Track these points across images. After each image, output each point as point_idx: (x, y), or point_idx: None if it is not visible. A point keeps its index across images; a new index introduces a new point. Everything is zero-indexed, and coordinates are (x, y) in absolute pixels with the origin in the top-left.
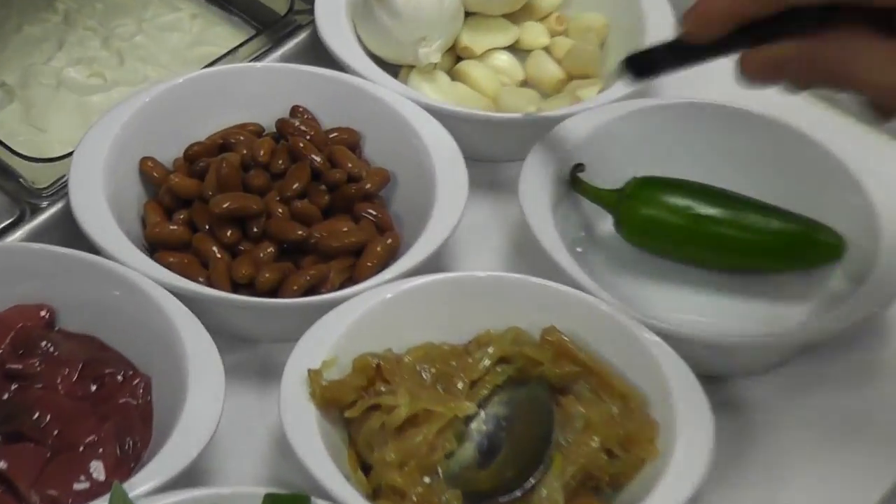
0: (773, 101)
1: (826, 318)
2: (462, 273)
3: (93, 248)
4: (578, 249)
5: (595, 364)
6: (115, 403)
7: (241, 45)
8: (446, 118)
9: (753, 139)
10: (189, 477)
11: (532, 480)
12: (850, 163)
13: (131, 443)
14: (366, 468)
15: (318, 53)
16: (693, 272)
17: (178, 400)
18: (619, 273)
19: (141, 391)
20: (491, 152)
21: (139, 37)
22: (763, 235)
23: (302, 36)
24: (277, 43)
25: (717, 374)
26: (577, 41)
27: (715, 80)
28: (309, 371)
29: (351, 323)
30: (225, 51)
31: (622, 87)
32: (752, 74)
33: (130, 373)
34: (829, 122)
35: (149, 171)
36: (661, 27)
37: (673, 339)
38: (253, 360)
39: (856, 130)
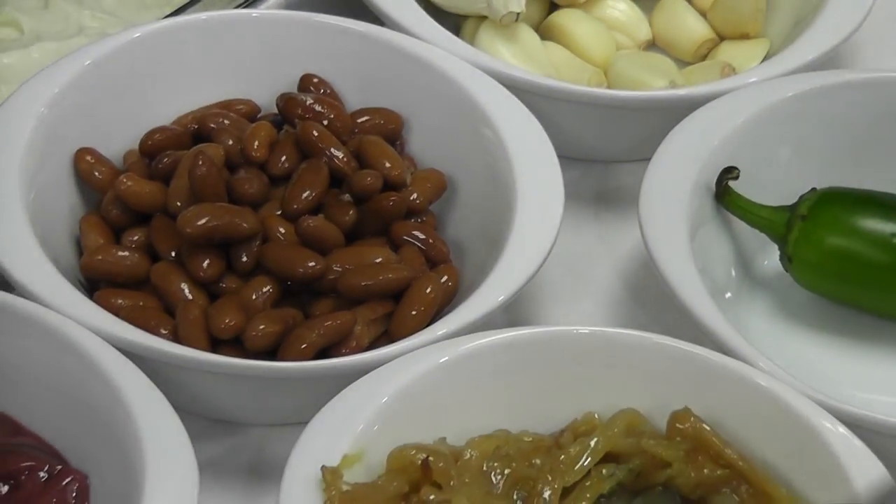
0: None
1: None
2: (553, 328)
3: (3, 283)
4: (728, 295)
5: (749, 465)
6: None
7: None
8: (532, 96)
9: None
10: None
11: None
12: None
13: None
14: None
15: None
16: None
17: None
18: (787, 331)
19: (74, 495)
20: (599, 148)
21: None
22: None
23: None
24: None
25: None
26: None
27: None
28: (323, 469)
29: (386, 400)
30: None
31: (799, 53)
32: None
33: (59, 468)
34: None
35: (88, 170)
36: None
37: (867, 431)
38: (240, 453)
39: None
